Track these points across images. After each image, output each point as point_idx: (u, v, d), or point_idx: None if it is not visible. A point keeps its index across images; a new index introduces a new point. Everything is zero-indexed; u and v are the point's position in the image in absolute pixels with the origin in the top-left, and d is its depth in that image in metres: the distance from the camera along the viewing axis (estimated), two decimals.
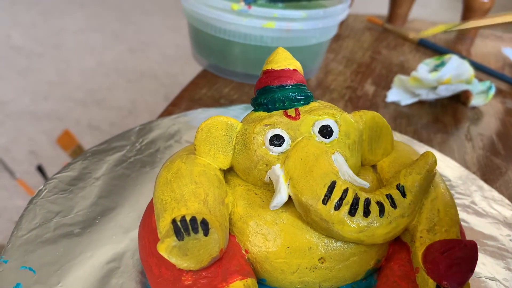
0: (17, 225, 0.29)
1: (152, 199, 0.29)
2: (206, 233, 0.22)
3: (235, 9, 0.46)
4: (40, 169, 1.03)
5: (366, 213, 0.23)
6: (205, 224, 0.22)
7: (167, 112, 0.46)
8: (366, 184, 0.24)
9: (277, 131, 0.26)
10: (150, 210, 0.27)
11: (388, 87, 0.59)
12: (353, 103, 0.54)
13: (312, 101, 0.28)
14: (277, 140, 0.25)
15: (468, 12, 0.84)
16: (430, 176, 0.25)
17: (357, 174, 0.27)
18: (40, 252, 0.28)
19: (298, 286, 0.25)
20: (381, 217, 0.24)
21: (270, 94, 0.27)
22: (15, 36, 2.18)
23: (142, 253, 0.26)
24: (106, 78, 1.93)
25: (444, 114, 0.55)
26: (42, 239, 0.29)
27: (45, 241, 0.28)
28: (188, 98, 0.49)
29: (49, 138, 1.54)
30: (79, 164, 0.35)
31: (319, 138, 0.26)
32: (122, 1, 2.67)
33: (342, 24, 0.83)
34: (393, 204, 0.24)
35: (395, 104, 0.56)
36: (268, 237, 0.25)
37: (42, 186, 0.33)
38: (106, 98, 1.81)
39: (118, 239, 0.29)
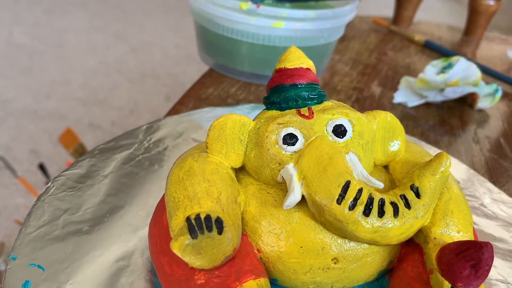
0: (25, 222, 0.29)
1: (162, 198, 0.28)
2: (220, 232, 0.22)
3: (244, 8, 0.46)
4: (42, 167, 1.02)
5: (381, 213, 0.23)
6: (219, 222, 0.22)
7: (174, 111, 0.46)
8: (380, 184, 0.24)
9: (290, 130, 0.25)
10: (160, 208, 0.27)
11: (394, 88, 0.59)
12: (360, 104, 0.53)
13: (325, 100, 0.28)
14: (290, 139, 0.25)
15: (473, 15, 0.83)
16: (444, 177, 0.25)
17: (370, 175, 0.27)
18: (49, 249, 0.27)
19: (311, 286, 0.25)
20: (395, 218, 0.23)
21: (283, 93, 0.27)
22: (17, 34, 2.18)
23: (153, 251, 0.26)
24: (108, 77, 1.93)
25: (451, 116, 0.55)
26: (51, 236, 0.28)
27: (54, 238, 0.28)
28: (195, 97, 0.49)
29: (51, 137, 1.54)
30: (86, 162, 0.35)
31: (332, 137, 0.26)
32: (124, 2, 2.67)
33: (347, 25, 0.82)
34: (407, 205, 0.24)
35: (402, 105, 0.55)
36: (280, 236, 0.25)
37: (49, 183, 0.33)
38: (107, 97, 1.80)
39: (127, 238, 0.29)
